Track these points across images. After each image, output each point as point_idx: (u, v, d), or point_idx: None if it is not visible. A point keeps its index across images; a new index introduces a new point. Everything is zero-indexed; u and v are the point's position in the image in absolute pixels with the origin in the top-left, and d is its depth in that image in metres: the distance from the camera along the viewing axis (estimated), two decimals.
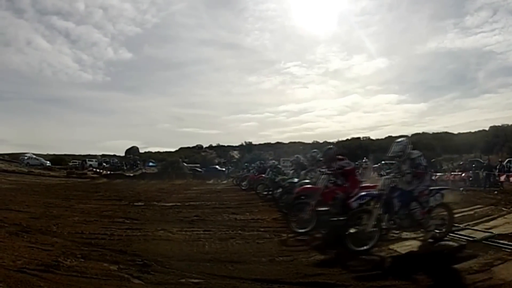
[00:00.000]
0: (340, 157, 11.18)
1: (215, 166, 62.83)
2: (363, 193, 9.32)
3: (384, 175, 8.74)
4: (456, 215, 12.30)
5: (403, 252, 8.26)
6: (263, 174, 22.08)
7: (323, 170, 11.11)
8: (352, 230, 8.23)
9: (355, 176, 10.93)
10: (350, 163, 11.06)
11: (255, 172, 26.50)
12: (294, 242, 9.58)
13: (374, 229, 8.18)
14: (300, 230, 10.20)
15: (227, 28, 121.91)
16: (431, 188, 8.89)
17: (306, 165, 15.64)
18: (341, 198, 10.23)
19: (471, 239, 9.20)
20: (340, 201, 10.19)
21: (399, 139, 9.23)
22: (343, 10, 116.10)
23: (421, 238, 9.23)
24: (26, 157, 59.56)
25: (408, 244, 8.85)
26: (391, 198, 8.36)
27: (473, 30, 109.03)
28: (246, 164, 38.77)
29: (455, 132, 75.87)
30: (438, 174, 27.87)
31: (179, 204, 17.82)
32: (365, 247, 8.08)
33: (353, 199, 9.51)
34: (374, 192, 8.74)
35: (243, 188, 26.76)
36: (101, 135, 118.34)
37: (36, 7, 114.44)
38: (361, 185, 10.35)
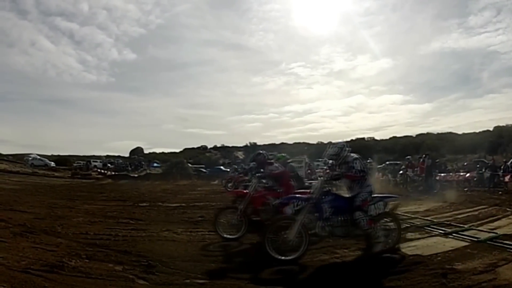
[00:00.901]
0: (270, 161, 11.10)
1: (219, 167, 62.75)
2: (290, 197, 8.75)
3: (320, 178, 8.53)
4: (460, 216, 12.38)
5: (409, 253, 8.26)
6: (246, 176, 22.04)
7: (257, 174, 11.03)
8: (274, 237, 7.78)
9: (289, 181, 10.64)
10: (279, 167, 10.80)
11: (239, 174, 26.64)
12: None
13: (299, 237, 7.69)
14: (228, 236, 9.86)
15: (231, 29, 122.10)
16: (374, 195, 8.29)
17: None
18: (272, 204, 9.89)
19: (475, 239, 9.21)
20: (273, 206, 9.84)
21: (336, 141, 8.90)
22: (347, 11, 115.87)
23: (425, 237, 9.28)
24: (30, 158, 59.61)
25: (413, 245, 8.88)
26: (321, 203, 7.96)
27: (477, 30, 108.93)
28: (234, 166, 38.93)
29: (460, 132, 75.73)
30: (442, 174, 27.80)
31: (184, 204, 17.83)
32: (290, 257, 7.64)
33: (277, 202, 9.41)
34: (303, 197, 8.27)
35: (228, 189, 26.56)
36: (105, 136, 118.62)
37: (40, 8, 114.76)
38: (296, 190, 10.02)
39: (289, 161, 12.76)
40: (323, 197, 8.01)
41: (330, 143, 8.86)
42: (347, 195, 8.20)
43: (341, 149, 8.49)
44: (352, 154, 8.43)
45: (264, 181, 10.62)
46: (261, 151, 11.69)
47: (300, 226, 7.69)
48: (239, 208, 10.02)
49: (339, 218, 7.96)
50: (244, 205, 10.05)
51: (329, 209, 7.93)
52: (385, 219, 8.41)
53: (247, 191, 10.53)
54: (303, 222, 7.76)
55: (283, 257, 7.63)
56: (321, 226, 7.92)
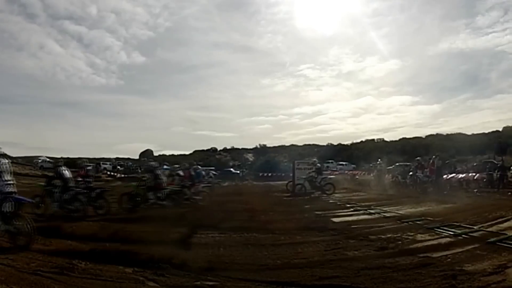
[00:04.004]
0: None
1: (229, 169, 62.57)
2: None
3: None
4: (470, 217, 12.34)
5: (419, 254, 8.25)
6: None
7: None
8: None
9: None
10: None
11: None
12: None
13: None
14: None
15: (240, 31, 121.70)
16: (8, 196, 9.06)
17: (153, 169, 17.33)
18: None
19: (485, 240, 9.19)
20: None
21: None
22: (355, 12, 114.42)
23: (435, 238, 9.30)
24: (40, 160, 59.69)
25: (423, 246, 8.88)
26: None
27: (485, 30, 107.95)
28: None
29: (469, 133, 75.12)
30: (451, 175, 27.66)
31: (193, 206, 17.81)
32: None
33: None
34: None
35: None
36: (115, 138, 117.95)
37: (48, 12, 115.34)
38: None
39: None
40: None
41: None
42: None
43: None
44: None
45: None
46: None
47: None
48: None
49: None
50: None
51: None
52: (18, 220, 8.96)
53: None
54: None
55: None
56: None
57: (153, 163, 19.21)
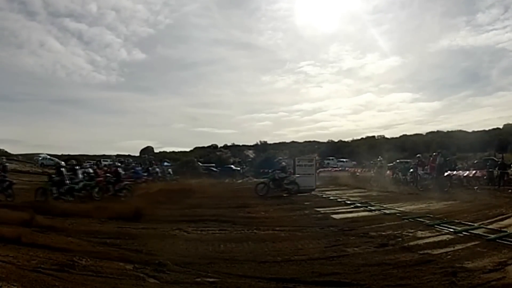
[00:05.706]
0: None
1: (230, 166, 62.40)
2: None
3: None
4: (470, 214, 12.36)
5: (420, 251, 8.25)
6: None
7: None
8: None
9: None
10: None
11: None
12: None
13: None
14: None
15: (240, 28, 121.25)
16: None
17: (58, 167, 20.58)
18: None
19: (485, 237, 9.20)
20: None
21: None
22: (356, 9, 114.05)
23: (435, 236, 9.30)
24: (40, 158, 59.50)
25: (424, 243, 8.88)
26: None
27: (485, 27, 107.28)
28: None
29: (469, 130, 74.82)
30: (452, 172, 27.60)
31: (194, 203, 17.82)
32: None
33: None
34: None
35: None
36: (115, 135, 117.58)
37: (49, 9, 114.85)
38: None
39: None
40: None
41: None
42: None
43: None
44: None
45: None
46: None
47: None
48: None
49: None
50: None
51: None
52: None
53: None
54: None
55: None
56: None
57: (61, 162, 21.79)
